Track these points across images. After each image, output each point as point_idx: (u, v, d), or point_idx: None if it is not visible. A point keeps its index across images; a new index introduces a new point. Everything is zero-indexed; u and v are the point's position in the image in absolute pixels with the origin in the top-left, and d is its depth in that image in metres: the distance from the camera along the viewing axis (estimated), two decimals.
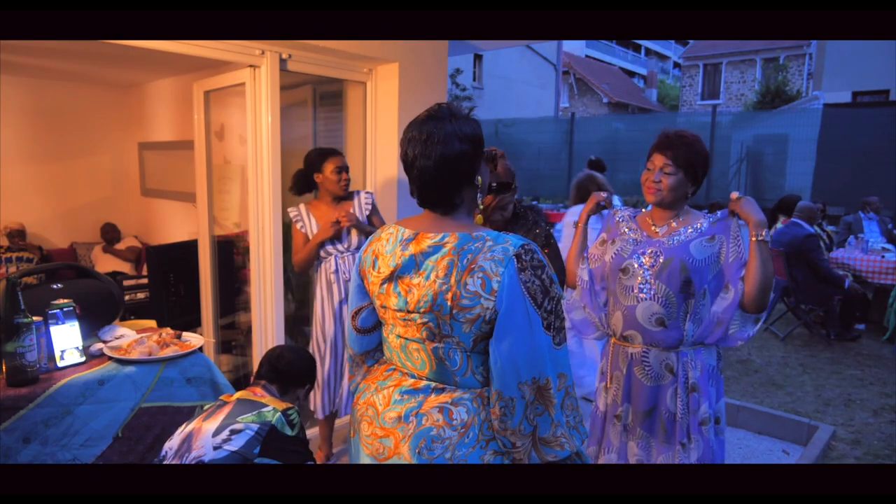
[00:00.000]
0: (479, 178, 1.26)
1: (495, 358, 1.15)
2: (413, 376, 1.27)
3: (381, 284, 1.26)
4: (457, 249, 1.17)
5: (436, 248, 1.20)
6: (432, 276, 1.17)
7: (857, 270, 5.63)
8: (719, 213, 1.89)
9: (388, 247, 1.26)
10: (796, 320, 5.51)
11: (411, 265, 1.21)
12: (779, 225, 5.92)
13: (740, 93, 23.50)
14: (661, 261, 1.85)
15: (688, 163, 1.84)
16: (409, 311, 1.21)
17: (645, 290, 1.87)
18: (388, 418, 1.25)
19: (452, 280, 1.15)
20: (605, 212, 2.12)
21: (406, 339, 1.25)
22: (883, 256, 5.60)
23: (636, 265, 1.89)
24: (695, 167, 1.84)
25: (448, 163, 1.20)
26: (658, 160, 1.87)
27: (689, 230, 1.87)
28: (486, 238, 1.18)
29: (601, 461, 2.04)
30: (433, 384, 1.24)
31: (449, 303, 1.15)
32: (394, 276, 1.23)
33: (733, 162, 9.76)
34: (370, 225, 2.85)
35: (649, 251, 1.89)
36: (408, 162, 1.24)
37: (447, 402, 1.20)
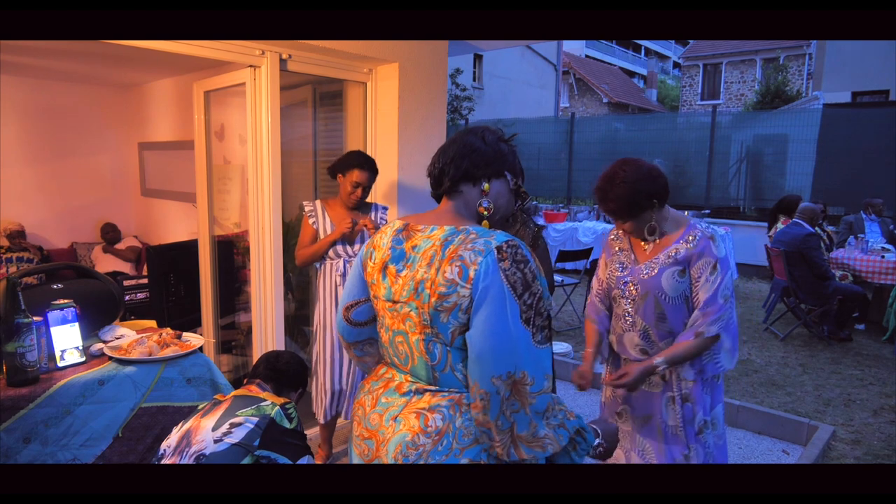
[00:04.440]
0: (488, 185, 1.30)
1: (471, 346, 1.14)
2: (401, 372, 1.29)
3: (374, 275, 1.30)
4: (441, 240, 1.20)
5: (426, 242, 1.23)
6: (417, 266, 1.21)
7: (857, 270, 5.62)
8: (695, 231, 1.86)
9: (384, 239, 1.30)
10: (796, 320, 5.51)
11: (401, 257, 1.25)
12: (780, 225, 5.91)
13: (740, 93, 23.49)
14: (639, 294, 1.89)
15: (621, 208, 1.82)
16: (394, 301, 1.24)
17: (628, 322, 1.94)
18: (372, 420, 1.28)
19: (433, 269, 1.17)
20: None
21: (393, 331, 1.27)
22: (883, 256, 5.59)
23: (622, 295, 1.94)
24: (631, 205, 1.81)
25: (486, 149, 1.30)
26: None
27: (667, 257, 1.86)
28: (471, 231, 1.20)
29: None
30: (415, 386, 1.24)
31: (428, 291, 1.17)
32: (384, 266, 1.27)
33: (733, 162, 9.74)
34: None
35: (631, 282, 1.91)
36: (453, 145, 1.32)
37: (425, 408, 1.20)
